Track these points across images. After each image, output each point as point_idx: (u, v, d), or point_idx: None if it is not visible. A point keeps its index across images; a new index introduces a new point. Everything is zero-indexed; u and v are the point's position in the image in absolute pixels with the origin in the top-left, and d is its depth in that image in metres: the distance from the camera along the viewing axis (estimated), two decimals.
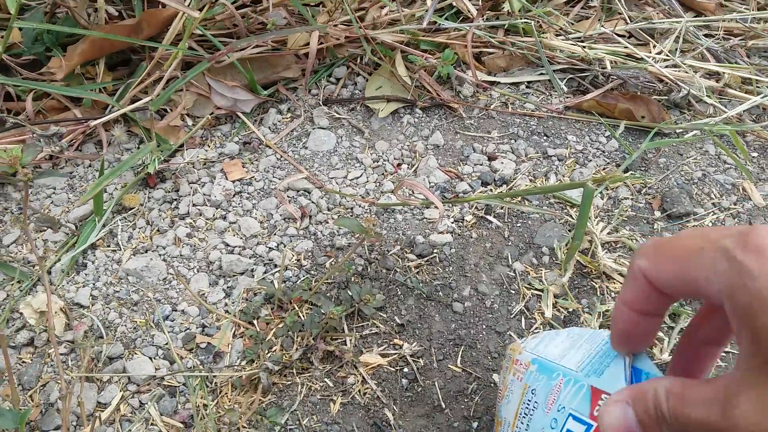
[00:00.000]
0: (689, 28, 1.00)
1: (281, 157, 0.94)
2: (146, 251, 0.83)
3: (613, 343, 0.42)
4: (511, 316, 0.75)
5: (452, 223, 0.85)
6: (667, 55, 0.97)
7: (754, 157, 0.91)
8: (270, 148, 0.94)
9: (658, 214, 0.85)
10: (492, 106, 0.97)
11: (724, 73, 0.96)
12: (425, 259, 0.81)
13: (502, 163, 0.91)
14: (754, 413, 0.29)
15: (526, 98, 0.98)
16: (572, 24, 1.05)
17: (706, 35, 1.04)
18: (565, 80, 0.99)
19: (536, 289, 0.77)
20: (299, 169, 0.91)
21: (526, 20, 0.98)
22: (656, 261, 0.35)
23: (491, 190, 0.88)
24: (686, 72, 0.95)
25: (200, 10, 0.90)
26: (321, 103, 1.00)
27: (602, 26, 1.01)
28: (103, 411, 0.70)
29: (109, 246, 0.84)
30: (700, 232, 0.34)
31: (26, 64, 1.00)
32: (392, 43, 0.99)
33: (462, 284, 0.78)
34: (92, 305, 0.78)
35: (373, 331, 0.75)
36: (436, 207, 0.75)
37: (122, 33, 0.95)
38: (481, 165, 0.91)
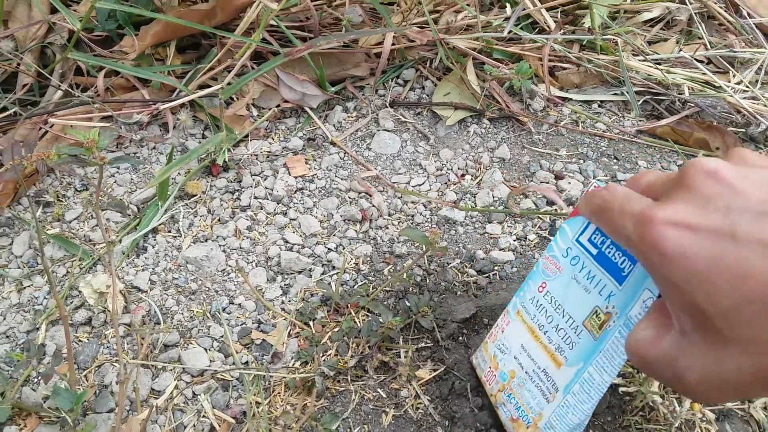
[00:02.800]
0: None
1: (344, 155, 0.93)
2: (206, 240, 0.83)
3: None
4: None
5: (514, 240, 0.84)
6: (747, 86, 0.95)
7: None
8: (335, 145, 0.93)
9: None
10: (562, 123, 0.96)
11: None
12: (485, 275, 0.80)
13: (569, 183, 0.89)
14: (699, 364, 0.34)
15: (598, 117, 0.96)
16: (650, 45, 1.02)
17: None
18: (639, 102, 0.97)
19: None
20: (367, 167, 0.90)
21: (604, 37, 0.96)
22: (589, 209, 0.44)
23: (556, 210, 0.87)
24: (765, 105, 0.92)
25: (278, 1, 0.90)
26: (387, 104, 0.99)
27: (681, 50, 0.98)
28: (156, 398, 0.70)
29: (170, 231, 0.84)
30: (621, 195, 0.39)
31: (98, 40, 1.00)
32: (465, 49, 0.97)
33: None
34: (150, 290, 0.79)
35: (427, 344, 0.74)
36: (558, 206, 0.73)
37: (196, 18, 0.95)
38: (548, 183, 0.90)
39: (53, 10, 0.98)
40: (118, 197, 0.87)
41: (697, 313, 0.33)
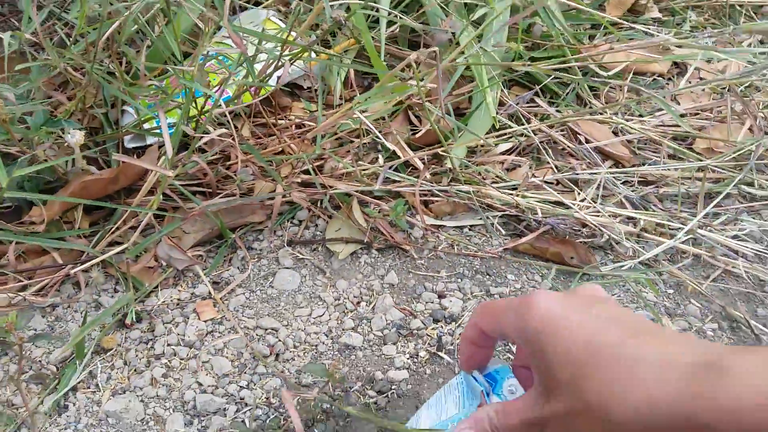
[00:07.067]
0: (608, 178, 1.15)
1: (250, 295, 1.02)
2: (124, 392, 0.89)
3: (462, 366, 0.58)
4: None
5: (408, 359, 0.94)
6: (590, 203, 1.12)
7: (669, 293, 1.05)
8: (217, 303, 1.01)
9: None
10: (440, 248, 1.09)
11: (640, 219, 1.10)
12: (384, 395, 0.89)
13: (451, 301, 1.01)
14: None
15: (469, 241, 1.10)
16: (508, 171, 1.19)
17: (624, 182, 1.19)
18: (503, 224, 1.12)
19: None
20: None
21: (464, 175, 1.12)
22: (482, 317, 0.52)
23: (442, 326, 0.98)
24: (607, 218, 1.09)
25: (173, 168, 1.00)
26: (285, 244, 1.10)
27: (534, 175, 1.15)
28: None
29: (89, 387, 0.90)
30: (509, 299, 0.54)
31: (7, 212, 1.07)
32: (348, 191, 1.10)
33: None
34: None
35: None
36: None
37: (101, 186, 1.04)
38: (432, 303, 1.02)
39: None
40: (36, 359, 0.92)
41: (543, 359, 0.42)
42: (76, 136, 0.95)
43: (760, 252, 1.11)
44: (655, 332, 0.41)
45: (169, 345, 0.95)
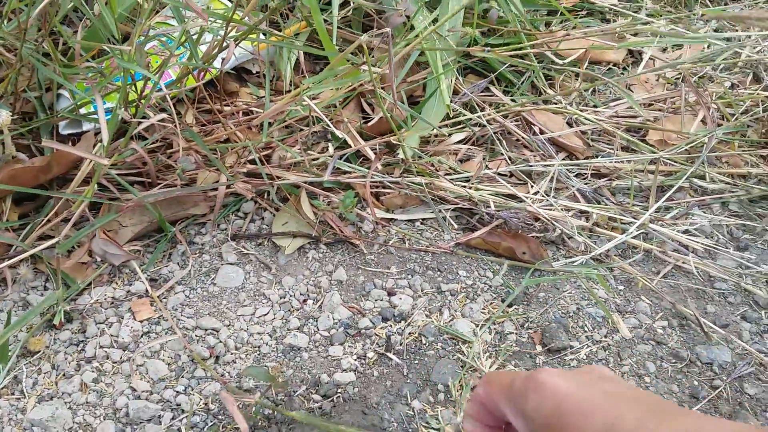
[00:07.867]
0: (561, 170, 1.13)
1: (190, 293, 0.98)
2: (51, 398, 0.84)
3: None
4: None
5: (355, 360, 0.91)
6: (543, 196, 1.09)
7: (620, 290, 1.03)
8: (154, 302, 0.95)
9: (539, 348, 0.94)
10: (390, 242, 1.06)
11: (592, 212, 1.08)
12: (329, 399, 0.86)
13: (401, 298, 0.98)
14: None
15: (421, 235, 1.07)
16: (461, 163, 1.16)
17: (576, 175, 1.17)
18: (455, 217, 1.09)
19: (434, 429, 0.83)
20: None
21: (417, 166, 1.08)
22: (485, 386, 0.46)
23: (391, 325, 0.95)
24: (560, 211, 1.07)
25: (109, 156, 0.94)
26: (229, 238, 1.05)
27: (487, 167, 1.12)
28: None
29: (13, 394, 0.84)
30: (513, 373, 0.46)
31: None
32: (296, 182, 1.06)
33: (363, 426, 0.83)
34: None
35: None
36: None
37: (30, 175, 0.98)
38: (382, 300, 0.98)
39: None
40: None
41: None
42: (2, 116, 0.88)
43: (710, 247, 1.10)
44: (672, 411, 0.38)
45: (101, 347, 0.89)
